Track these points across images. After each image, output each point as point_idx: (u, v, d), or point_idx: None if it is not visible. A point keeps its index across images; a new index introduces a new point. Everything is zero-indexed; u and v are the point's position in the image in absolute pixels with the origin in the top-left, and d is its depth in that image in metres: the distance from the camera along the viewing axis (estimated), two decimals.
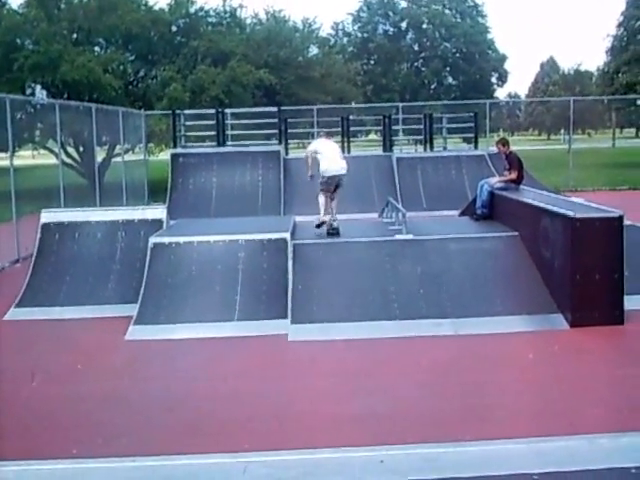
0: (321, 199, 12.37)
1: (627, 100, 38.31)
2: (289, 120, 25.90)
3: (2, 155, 17.49)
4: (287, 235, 11.04)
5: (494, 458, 5.62)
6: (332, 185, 12.39)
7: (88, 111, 20.93)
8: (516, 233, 11.53)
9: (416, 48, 60.90)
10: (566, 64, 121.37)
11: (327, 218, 12.28)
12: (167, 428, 6.78)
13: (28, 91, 29.67)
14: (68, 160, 26.66)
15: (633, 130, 68.94)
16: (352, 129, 27.12)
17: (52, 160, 23.90)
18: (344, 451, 5.92)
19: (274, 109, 26.52)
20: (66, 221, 12.31)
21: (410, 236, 11.55)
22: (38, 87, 29.95)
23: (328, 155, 12.41)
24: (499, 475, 5.32)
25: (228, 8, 35.52)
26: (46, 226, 12.20)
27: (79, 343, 9.65)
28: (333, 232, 12.16)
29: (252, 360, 8.85)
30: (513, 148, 14.09)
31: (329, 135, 13.76)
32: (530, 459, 5.50)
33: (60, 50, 27.67)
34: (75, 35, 30.66)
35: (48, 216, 12.38)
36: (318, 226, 12.24)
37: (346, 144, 24.95)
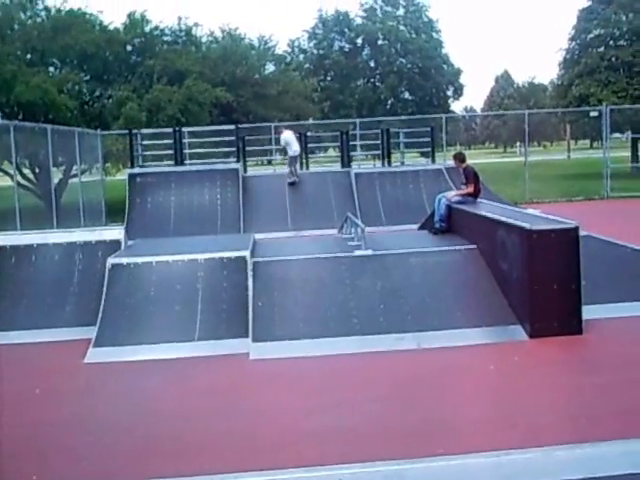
0: (293, 168, 22.88)
1: (581, 112, 38.86)
2: (247, 138, 25.94)
3: None
4: (247, 253, 11.01)
5: (454, 473, 5.63)
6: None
7: (44, 132, 20.73)
8: (474, 246, 11.62)
9: (372, 64, 61.18)
10: (520, 77, 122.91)
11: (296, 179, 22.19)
12: (129, 451, 6.71)
13: None
14: (24, 182, 26.37)
15: (587, 142, 70.03)
16: (310, 146, 27.24)
17: (7, 182, 23.65)
18: (304, 471, 5.89)
19: (231, 127, 26.49)
20: (23, 244, 12.14)
21: (369, 251, 11.58)
22: None
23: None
24: None
25: (184, 27, 35.46)
26: (2, 249, 12.03)
27: (37, 367, 9.52)
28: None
29: (213, 380, 8.79)
30: (470, 161, 14.24)
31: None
32: (489, 473, 5.53)
33: (14, 71, 27.38)
34: (29, 55, 30.39)
35: (4, 239, 12.22)
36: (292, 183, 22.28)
37: (304, 160, 25.03)
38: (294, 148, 23.17)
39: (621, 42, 41.86)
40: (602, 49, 41.92)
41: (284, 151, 28.48)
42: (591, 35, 42.71)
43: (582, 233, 10.08)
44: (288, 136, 23.55)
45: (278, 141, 26.12)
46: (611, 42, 42.07)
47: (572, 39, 43.84)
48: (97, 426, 7.45)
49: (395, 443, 6.53)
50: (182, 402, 8.05)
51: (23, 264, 11.95)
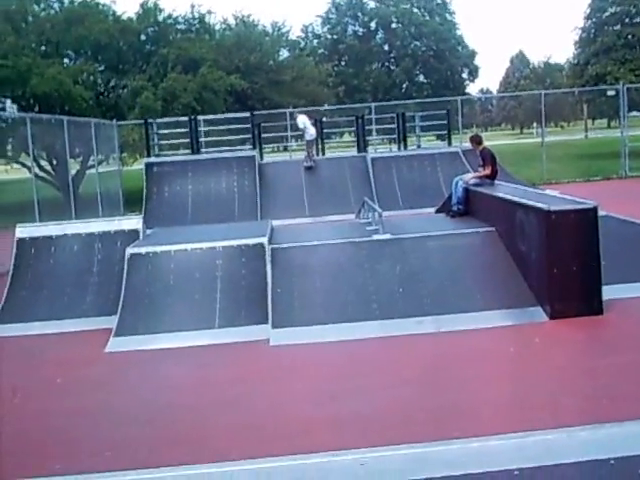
0: (310, 150, 23.31)
1: (598, 91, 38.52)
2: (262, 124, 25.90)
3: None
4: (265, 240, 11.02)
5: (476, 455, 5.61)
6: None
7: (60, 123, 20.79)
8: (492, 228, 11.57)
9: (386, 48, 61.00)
10: (536, 58, 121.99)
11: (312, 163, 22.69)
12: (151, 439, 6.75)
13: None
14: (41, 173, 26.50)
15: (605, 121, 69.39)
16: (326, 131, 27.15)
17: (25, 174, 23.76)
18: (328, 455, 5.89)
19: (247, 114, 26.46)
20: (42, 235, 12.20)
21: (387, 235, 11.56)
22: (8, 101, 29.67)
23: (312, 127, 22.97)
24: (481, 473, 5.32)
25: (197, 15, 35.46)
26: (21, 241, 12.10)
27: (59, 357, 9.58)
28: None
29: (234, 367, 8.83)
30: (486, 143, 14.17)
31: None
32: (511, 455, 5.50)
33: (29, 63, 27.49)
34: (44, 48, 30.51)
35: (23, 231, 12.27)
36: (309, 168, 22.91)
37: (320, 146, 24.98)
38: (310, 132, 23.19)
39: (637, 19, 41.36)
40: (618, 27, 41.48)
41: (300, 137, 28.45)
42: (607, 13, 42.24)
43: (601, 213, 10.02)
44: (305, 119, 23.64)
45: (294, 127, 26.09)
46: (627, 20, 41.59)
47: (588, 17, 43.39)
48: (119, 415, 7.49)
49: (416, 427, 6.53)
50: (203, 390, 8.08)
51: (42, 255, 12.02)
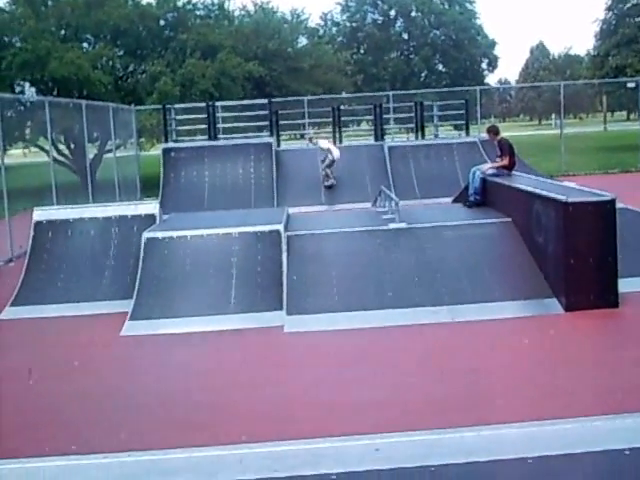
0: (329, 172, 21.46)
1: (618, 83, 38.26)
2: (280, 112, 25.87)
3: None
4: (280, 227, 11.03)
5: (490, 444, 5.63)
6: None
7: (78, 108, 20.86)
8: (509, 219, 11.54)
9: (405, 36, 60.77)
10: (556, 49, 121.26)
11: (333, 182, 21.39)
12: (165, 421, 6.79)
13: (17, 89, 29.57)
14: (59, 157, 26.63)
15: (624, 113, 68.99)
16: (343, 119, 27.10)
17: (43, 158, 23.85)
18: (340, 440, 5.92)
19: (264, 101, 26.44)
20: (59, 219, 12.26)
21: (404, 224, 11.54)
22: (27, 85, 29.82)
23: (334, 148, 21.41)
24: (495, 460, 5.33)
25: (216, 1, 35.43)
26: (39, 224, 12.16)
27: (75, 340, 9.64)
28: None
29: (248, 352, 8.86)
30: (505, 134, 14.11)
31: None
32: (525, 443, 5.52)
33: (48, 47, 27.57)
34: (63, 32, 30.59)
35: (41, 214, 12.33)
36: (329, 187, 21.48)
37: (337, 134, 24.94)
38: (335, 154, 21.61)
39: None
40: (639, 19, 41.18)
41: (318, 124, 28.41)
42: (628, 5, 41.95)
43: (619, 205, 9.97)
44: (326, 143, 22.37)
45: (311, 115, 26.02)
46: None
47: (609, 9, 43.09)
48: (134, 398, 7.53)
49: (430, 414, 6.54)
50: (217, 374, 8.12)
51: (60, 239, 12.08)
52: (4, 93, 20.20)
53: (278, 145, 24.36)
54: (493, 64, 60.25)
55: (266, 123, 25.43)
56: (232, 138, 25.03)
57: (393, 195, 13.34)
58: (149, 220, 12.02)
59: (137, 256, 10.93)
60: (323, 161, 21.78)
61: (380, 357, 8.40)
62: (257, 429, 6.40)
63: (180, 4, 33.36)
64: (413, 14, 59.33)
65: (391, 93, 31.67)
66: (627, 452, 5.25)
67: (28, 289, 11.38)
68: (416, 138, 25.95)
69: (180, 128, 25.73)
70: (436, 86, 49.16)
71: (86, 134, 21.58)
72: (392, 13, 60.59)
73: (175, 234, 11.11)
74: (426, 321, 9.48)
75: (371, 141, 25.37)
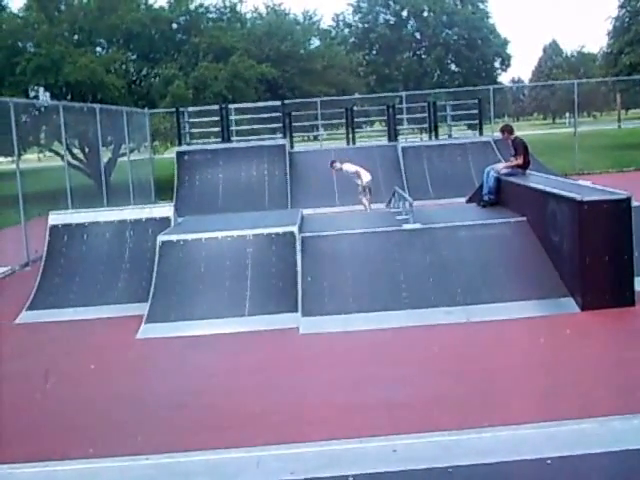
0: (365, 202, 18.07)
1: (632, 81, 38.10)
2: (293, 113, 25.90)
3: (8, 159, 17.53)
4: (295, 228, 11.04)
5: (507, 444, 5.61)
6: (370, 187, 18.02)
7: (92, 112, 20.95)
8: (524, 218, 11.50)
9: (418, 36, 60.58)
10: (569, 47, 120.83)
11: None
12: (181, 425, 6.80)
13: (31, 94, 29.76)
14: (74, 161, 26.78)
15: (639, 111, 68.62)
16: (356, 120, 27.13)
17: (58, 162, 23.97)
18: (357, 442, 5.92)
19: (277, 103, 26.48)
20: (74, 222, 12.32)
21: (418, 225, 11.52)
22: (41, 89, 30.01)
23: (363, 170, 18.24)
24: (513, 461, 5.32)
25: (228, 3, 35.51)
26: (54, 228, 12.23)
27: (91, 344, 9.68)
28: None
29: (264, 354, 8.86)
30: (518, 133, 14.06)
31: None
32: (543, 444, 5.50)
33: (62, 52, 27.73)
34: (76, 36, 30.73)
35: (56, 218, 12.39)
36: None
37: (351, 135, 24.95)
38: (365, 178, 18.08)
39: None
40: None
41: (330, 126, 28.27)
42: None
43: (634, 204, 9.91)
44: (351, 166, 18.54)
45: (324, 116, 25.97)
46: None
47: (622, 6, 42.90)
48: (150, 401, 7.55)
49: (446, 415, 6.52)
50: (233, 377, 8.12)
51: (75, 242, 12.13)
52: (19, 98, 20.29)
53: (291, 147, 24.40)
54: (506, 63, 59.98)
55: (279, 125, 25.49)
56: (245, 140, 25.08)
57: (407, 196, 13.31)
58: (164, 223, 12.06)
59: (152, 259, 10.95)
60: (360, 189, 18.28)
61: (396, 358, 8.39)
62: (273, 431, 6.41)
63: (192, 7, 33.45)
64: (425, 14, 59.13)
65: (404, 93, 31.67)
66: None
67: (44, 293, 11.44)
68: (429, 138, 25.95)
69: (194, 131, 25.82)
70: (449, 86, 48.98)
71: (100, 138, 21.66)
72: (404, 13, 60.41)
73: (190, 237, 11.13)
74: (441, 321, 9.46)
75: (384, 142, 25.41)
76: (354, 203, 19.93)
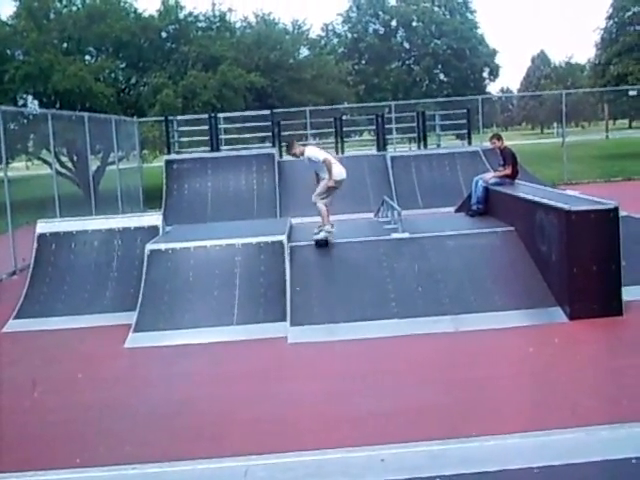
0: (323, 207, 11.50)
1: (619, 91, 38.28)
2: (282, 122, 25.90)
3: None
4: (284, 237, 11.04)
5: (495, 454, 5.62)
6: (338, 188, 11.70)
7: (81, 120, 20.89)
8: (512, 228, 11.53)
9: (407, 46, 60.75)
10: (557, 57, 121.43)
11: (332, 228, 11.55)
12: (169, 434, 6.78)
13: (20, 102, 29.67)
14: (62, 170, 26.70)
15: (626, 121, 68.94)
16: (345, 129, 27.14)
17: (46, 170, 23.89)
18: (345, 451, 5.91)
19: (266, 112, 26.49)
20: (62, 231, 12.28)
21: (406, 234, 11.54)
22: (30, 97, 29.97)
23: (335, 161, 11.90)
24: (500, 470, 5.32)
25: (217, 13, 35.50)
26: (42, 236, 12.18)
27: (79, 352, 9.64)
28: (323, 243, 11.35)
29: (252, 363, 8.84)
30: (507, 143, 14.11)
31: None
32: (531, 453, 5.51)
33: (51, 60, 27.67)
34: (65, 44, 30.67)
35: (44, 226, 12.35)
36: (324, 242, 11.33)
37: (340, 144, 24.96)
38: (336, 172, 11.60)
39: None
40: None
41: (318, 135, 28.26)
42: (629, 13, 41.98)
43: (622, 213, 9.96)
44: (320, 154, 12.01)
45: (313, 125, 25.94)
46: None
47: (609, 17, 43.15)
48: (138, 410, 7.53)
49: (434, 425, 6.52)
50: (221, 386, 8.11)
51: (63, 251, 12.09)
52: (7, 106, 20.22)
53: (280, 156, 24.38)
54: (494, 73, 60.21)
55: (268, 134, 25.48)
56: (234, 149, 25.05)
57: (396, 205, 13.33)
58: (152, 232, 12.03)
59: (140, 268, 10.92)
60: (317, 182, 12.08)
61: (384, 367, 8.39)
62: (261, 440, 6.39)
63: (182, 16, 33.45)
64: (414, 24, 59.30)
65: (393, 103, 31.74)
66: (634, 461, 5.24)
67: (31, 302, 11.38)
68: (418, 148, 26.01)
69: (182, 140, 25.80)
70: (438, 96, 49.15)
71: (89, 146, 21.58)
72: (393, 23, 60.59)
73: (178, 245, 11.11)
74: (430, 331, 9.46)
75: (373, 151, 25.40)
76: (344, 212, 19.92)
